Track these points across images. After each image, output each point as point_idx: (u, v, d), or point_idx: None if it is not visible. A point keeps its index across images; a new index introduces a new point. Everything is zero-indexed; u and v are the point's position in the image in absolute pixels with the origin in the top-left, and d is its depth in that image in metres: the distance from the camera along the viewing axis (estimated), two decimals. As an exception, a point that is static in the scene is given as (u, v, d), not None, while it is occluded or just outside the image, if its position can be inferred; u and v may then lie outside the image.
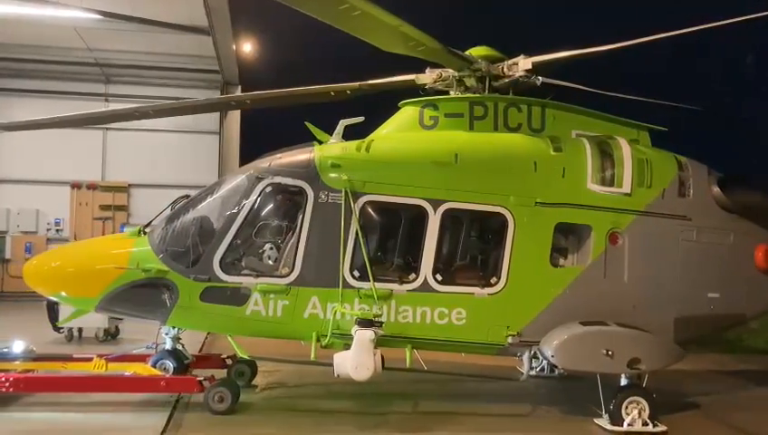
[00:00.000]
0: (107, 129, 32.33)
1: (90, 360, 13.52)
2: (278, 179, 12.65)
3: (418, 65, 13.71)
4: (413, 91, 14.11)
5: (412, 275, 12.45)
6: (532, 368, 14.60)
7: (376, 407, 13.24)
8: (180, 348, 13.73)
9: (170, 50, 31.06)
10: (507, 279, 12.48)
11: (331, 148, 12.81)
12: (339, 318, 12.19)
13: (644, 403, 12.01)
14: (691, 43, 13.06)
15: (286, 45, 39.04)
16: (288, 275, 12.35)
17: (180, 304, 12.44)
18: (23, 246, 31.86)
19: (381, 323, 11.69)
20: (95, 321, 18.64)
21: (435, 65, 13.74)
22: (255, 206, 12.65)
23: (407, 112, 13.51)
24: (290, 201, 12.84)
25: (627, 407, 12.00)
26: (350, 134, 13.16)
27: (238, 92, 33.80)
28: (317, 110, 16.13)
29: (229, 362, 14.50)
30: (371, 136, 13.18)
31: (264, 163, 12.89)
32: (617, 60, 14.36)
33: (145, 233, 12.99)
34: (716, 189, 13.49)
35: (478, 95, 13.48)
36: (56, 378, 13.10)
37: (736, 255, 13.42)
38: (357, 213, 12.31)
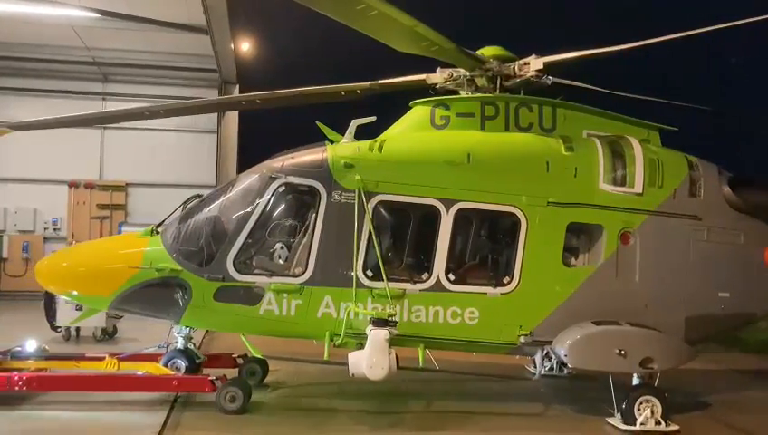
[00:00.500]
0: (104, 128, 32.10)
1: (102, 359, 13.54)
2: (291, 179, 12.66)
3: (418, 65, 13.72)
4: (421, 90, 14.13)
5: (425, 275, 12.48)
6: (546, 366, 14.74)
7: (390, 406, 13.28)
8: (192, 347, 13.69)
9: (168, 49, 30.87)
10: (520, 279, 12.53)
11: (344, 147, 12.81)
12: (352, 318, 12.20)
13: (656, 403, 12.05)
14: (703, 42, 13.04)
15: (284, 44, 39.07)
16: (301, 274, 12.37)
17: (194, 304, 12.45)
18: (20, 245, 31.71)
19: (396, 322, 11.71)
20: (93, 320, 18.43)
21: (445, 65, 13.75)
22: (269, 205, 12.67)
23: (418, 112, 13.52)
24: (303, 201, 12.85)
25: (639, 406, 12.04)
26: (358, 134, 13.16)
27: (236, 92, 33.89)
28: (317, 110, 16.15)
29: (240, 361, 14.49)
30: (383, 136, 13.18)
31: (276, 163, 12.88)
32: (624, 59, 14.40)
33: (158, 232, 12.98)
34: (727, 189, 13.56)
35: (490, 95, 13.50)
36: (69, 377, 13.09)
37: (747, 254, 13.48)
38: (370, 213, 12.32)
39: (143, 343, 17.11)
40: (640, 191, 12.90)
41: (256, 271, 12.48)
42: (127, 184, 32.83)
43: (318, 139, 13.44)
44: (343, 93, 14.30)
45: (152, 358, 13.70)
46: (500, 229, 13.26)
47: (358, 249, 12.27)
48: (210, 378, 12.60)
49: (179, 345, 13.61)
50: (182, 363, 13.34)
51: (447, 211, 12.47)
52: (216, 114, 33.01)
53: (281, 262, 12.68)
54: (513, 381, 15.31)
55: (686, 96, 14.98)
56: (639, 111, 14.15)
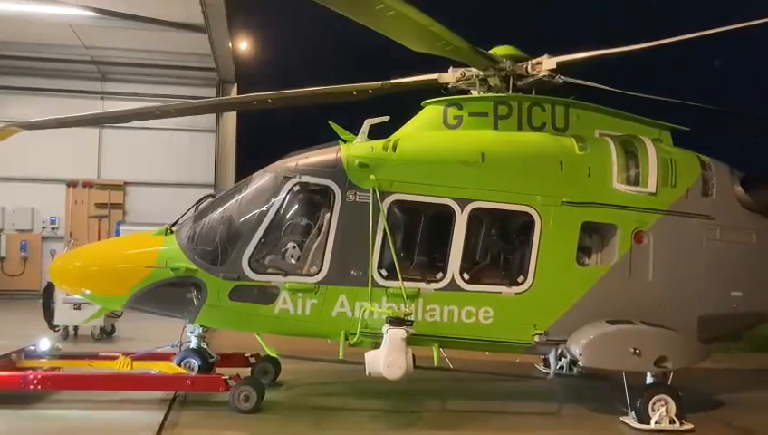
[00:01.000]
0: (102, 127, 32.12)
1: (115, 358, 13.51)
2: (306, 179, 12.65)
3: (418, 64, 13.73)
4: (431, 90, 14.15)
5: (439, 275, 12.47)
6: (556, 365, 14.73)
7: (405, 405, 13.29)
8: (205, 346, 13.68)
9: (166, 48, 30.89)
10: (534, 278, 12.53)
11: (358, 147, 12.79)
12: (367, 317, 12.20)
13: (670, 401, 12.05)
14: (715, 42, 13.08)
15: (282, 43, 39.15)
16: (316, 273, 12.36)
17: (209, 303, 12.45)
18: (18, 244, 31.74)
19: (412, 322, 11.70)
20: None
21: (457, 64, 13.77)
22: (283, 205, 12.66)
23: (430, 112, 13.54)
24: (318, 200, 12.84)
25: (653, 405, 12.04)
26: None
27: (234, 90, 33.96)
28: (316, 109, 16.18)
29: (253, 360, 14.48)
30: (396, 135, 13.17)
31: (291, 162, 12.88)
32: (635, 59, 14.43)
33: (172, 232, 12.96)
34: (739, 189, 13.61)
35: (503, 94, 13.52)
36: (84, 376, 13.07)
37: (759, 253, 13.52)
38: (385, 212, 12.32)
39: (142, 343, 17.15)
40: (654, 191, 12.93)
41: (271, 270, 12.46)
42: (125, 183, 32.90)
43: (318, 137, 13.46)
44: (354, 93, 14.33)
45: (165, 357, 13.67)
46: (514, 229, 13.25)
47: (373, 249, 12.26)
48: (224, 377, 12.59)
49: (192, 344, 13.60)
50: (195, 363, 13.32)
51: (462, 211, 12.48)
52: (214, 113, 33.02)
53: (296, 261, 12.65)
54: (524, 380, 15.32)
55: (696, 95, 15.02)
56: (647, 111, 14.18)
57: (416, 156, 12.75)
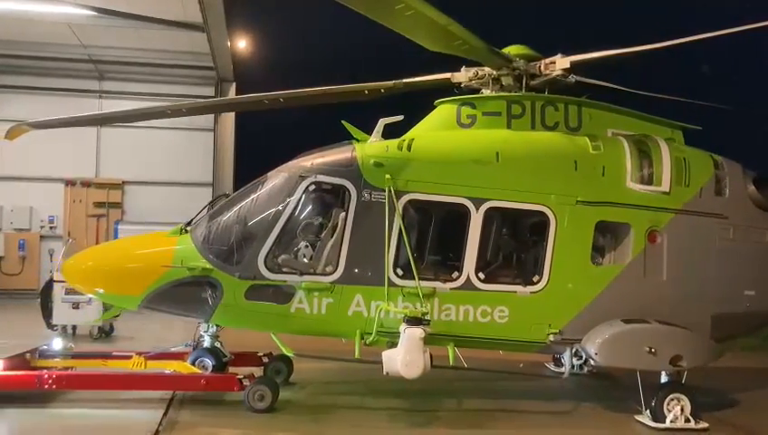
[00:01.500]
0: (101, 125, 32.00)
1: (129, 358, 13.54)
2: (321, 178, 12.67)
3: (416, 64, 13.74)
4: (442, 90, 14.16)
5: (455, 274, 12.49)
6: (564, 365, 14.75)
7: (422, 404, 13.34)
8: (218, 346, 13.66)
9: (164, 46, 30.91)
10: (549, 277, 12.56)
11: (373, 147, 12.80)
12: (383, 316, 12.21)
13: (685, 400, 12.13)
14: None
15: (281, 42, 39.05)
16: (332, 273, 12.38)
17: (225, 303, 12.45)
18: (16, 243, 31.62)
19: (429, 321, 11.72)
20: (90, 318, 18.93)
21: (470, 63, 13.78)
22: (299, 204, 12.68)
23: (443, 111, 13.54)
24: (333, 200, 12.84)
25: (668, 404, 12.11)
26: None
27: (233, 90, 33.98)
28: (315, 109, 16.17)
29: (266, 359, 14.48)
30: (410, 134, 13.17)
31: (306, 162, 12.89)
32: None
33: (186, 231, 12.96)
34: (752, 188, 13.66)
35: (516, 94, 13.52)
36: (98, 375, 13.08)
37: None
38: (400, 211, 12.33)
39: (140, 342, 17.29)
40: (667, 190, 12.95)
41: (287, 270, 12.46)
42: (123, 182, 32.80)
43: (318, 136, 13.45)
44: (367, 92, 14.31)
45: (178, 356, 13.68)
46: (529, 228, 13.30)
47: (388, 248, 12.27)
48: (238, 377, 12.59)
49: (206, 344, 13.58)
50: (209, 362, 13.32)
51: (477, 210, 12.49)
52: (213, 112, 32.98)
53: (311, 261, 12.64)
54: (538, 379, 15.34)
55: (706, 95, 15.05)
56: (657, 111, 14.20)
57: (431, 155, 12.76)
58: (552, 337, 12.54)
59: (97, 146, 32.59)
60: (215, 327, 13.58)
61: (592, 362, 13.13)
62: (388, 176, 12.38)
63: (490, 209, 12.60)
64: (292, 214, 12.63)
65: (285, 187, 12.76)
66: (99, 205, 32.39)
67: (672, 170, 13.00)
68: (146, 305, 12.76)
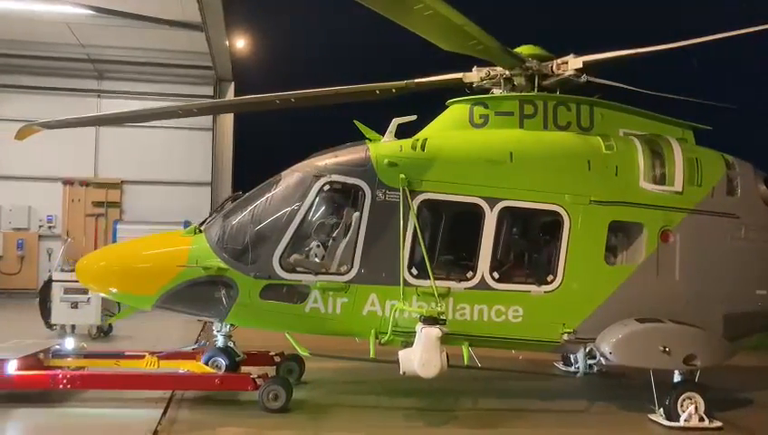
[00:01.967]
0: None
1: (141, 357, 13.52)
2: (335, 178, 12.67)
3: (415, 63, 13.73)
4: (453, 89, 14.18)
5: (469, 273, 12.51)
6: (573, 364, 14.83)
7: (437, 404, 13.36)
8: (232, 345, 13.64)
9: (163, 46, 30.83)
10: (563, 277, 12.59)
11: (387, 146, 12.81)
12: (398, 316, 12.22)
13: (699, 399, 12.17)
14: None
15: (279, 41, 39.01)
16: (347, 272, 12.40)
17: (240, 302, 12.45)
18: (14, 242, 31.52)
19: (445, 320, 11.73)
20: (89, 318, 18.97)
21: (482, 63, 13.81)
22: (313, 204, 12.69)
23: (456, 111, 13.56)
24: (348, 199, 12.84)
25: (682, 403, 12.15)
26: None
27: (231, 89, 33.94)
28: (314, 109, 16.16)
29: (277, 359, 14.47)
30: (423, 134, 13.18)
31: (320, 162, 12.89)
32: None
33: (200, 231, 12.94)
34: (763, 188, 13.72)
35: (528, 93, 13.56)
36: (112, 375, 13.07)
37: None
38: (415, 211, 12.35)
39: (139, 341, 17.27)
40: (680, 190, 13.00)
41: (302, 269, 12.46)
42: (122, 182, 32.69)
43: (318, 135, 13.45)
44: (378, 92, 14.33)
45: (191, 356, 13.67)
46: (543, 228, 13.35)
47: (403, 247, 12.29)
48: (252, 376, 12.60)
49: (219, 343, 13.56)
50: (223, 362, 13.28)
51: (491, 210, 12.52)
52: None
53: (326, 260, 12.65)
54: (550, 379, 15.41)
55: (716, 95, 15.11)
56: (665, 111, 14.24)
57: (445, 155, 12.77)
58: (566, 336, 12.57)
59: (96, 145, 32.44)
60: (228, 327, 13.54)
61: (605, 362, 13.15)
62: (402, 176, 12.40)
63: (504, 209, 12.62)
64: (307, 213, 12.64)
65: (300, 186, 12.76)
66: (97, 204, 32.29)
67: (684, 170, 13.04)
68: (160, 305, 12.73)
